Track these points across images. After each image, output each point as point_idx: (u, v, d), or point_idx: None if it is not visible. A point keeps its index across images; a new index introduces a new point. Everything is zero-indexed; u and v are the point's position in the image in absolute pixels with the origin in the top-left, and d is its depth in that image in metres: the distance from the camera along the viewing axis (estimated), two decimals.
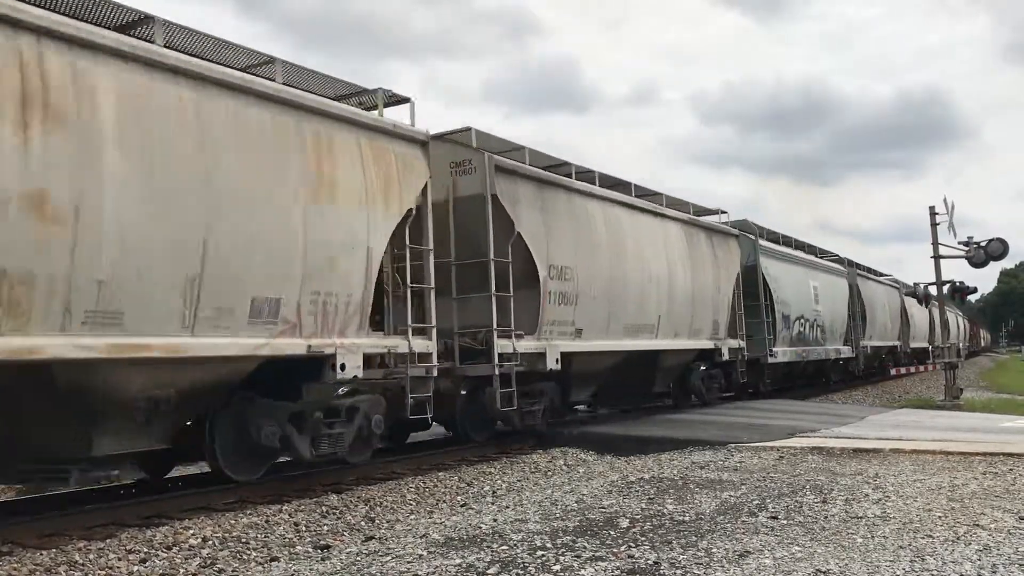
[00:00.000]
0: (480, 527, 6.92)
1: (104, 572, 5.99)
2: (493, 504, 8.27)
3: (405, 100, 10.32)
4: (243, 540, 6.88)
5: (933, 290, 24.65)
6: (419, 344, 10.02)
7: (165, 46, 7.59)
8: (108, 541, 6.66)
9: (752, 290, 19.81)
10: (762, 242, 21.11)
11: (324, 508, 8.08)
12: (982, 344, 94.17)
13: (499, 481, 9.77)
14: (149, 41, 7.44)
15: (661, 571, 5.27)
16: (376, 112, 9.99)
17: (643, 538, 6.20)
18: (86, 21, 7.11)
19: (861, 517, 6.69)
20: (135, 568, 6.08)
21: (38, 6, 6.67)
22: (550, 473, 10.35)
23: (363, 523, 7.67)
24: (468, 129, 11.79)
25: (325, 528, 7.44)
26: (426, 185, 10.26)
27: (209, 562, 6.28)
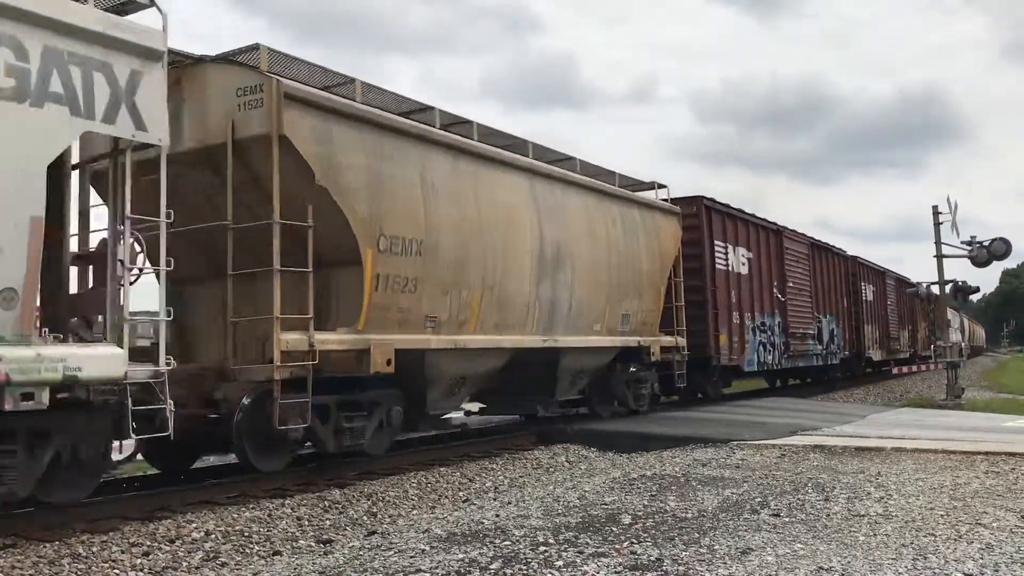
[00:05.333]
0: (482, 522, 6.93)
1: (107, 565, 6.00)
2: (495, 500, 8.28)
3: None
4: (246, 534, 6.89)
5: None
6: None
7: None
8: (111, 534, 6.66)
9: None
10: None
11: (326, 503, 8.09)
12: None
13: (501, 477, 9.78)
14: None
15: (664, 567, 5.27)
16: None
17: (645, 534, 6.21)
18: None
19: (863, 515, 6.70)
20: (138, 561, 6.10)
21: None
22: (552, 469, 10.36)
23: (365, 518, 7.69)
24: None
25: (327, 523, 7.45)
26: None
27: (212, 555, 6.29)
